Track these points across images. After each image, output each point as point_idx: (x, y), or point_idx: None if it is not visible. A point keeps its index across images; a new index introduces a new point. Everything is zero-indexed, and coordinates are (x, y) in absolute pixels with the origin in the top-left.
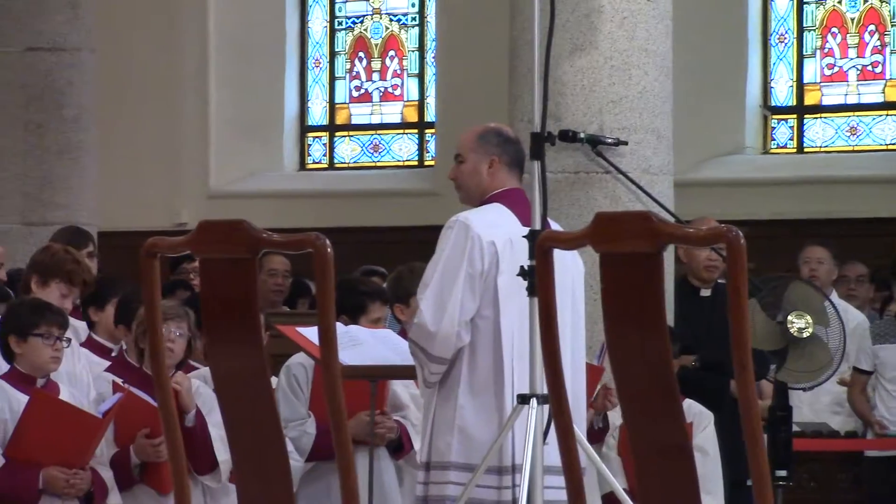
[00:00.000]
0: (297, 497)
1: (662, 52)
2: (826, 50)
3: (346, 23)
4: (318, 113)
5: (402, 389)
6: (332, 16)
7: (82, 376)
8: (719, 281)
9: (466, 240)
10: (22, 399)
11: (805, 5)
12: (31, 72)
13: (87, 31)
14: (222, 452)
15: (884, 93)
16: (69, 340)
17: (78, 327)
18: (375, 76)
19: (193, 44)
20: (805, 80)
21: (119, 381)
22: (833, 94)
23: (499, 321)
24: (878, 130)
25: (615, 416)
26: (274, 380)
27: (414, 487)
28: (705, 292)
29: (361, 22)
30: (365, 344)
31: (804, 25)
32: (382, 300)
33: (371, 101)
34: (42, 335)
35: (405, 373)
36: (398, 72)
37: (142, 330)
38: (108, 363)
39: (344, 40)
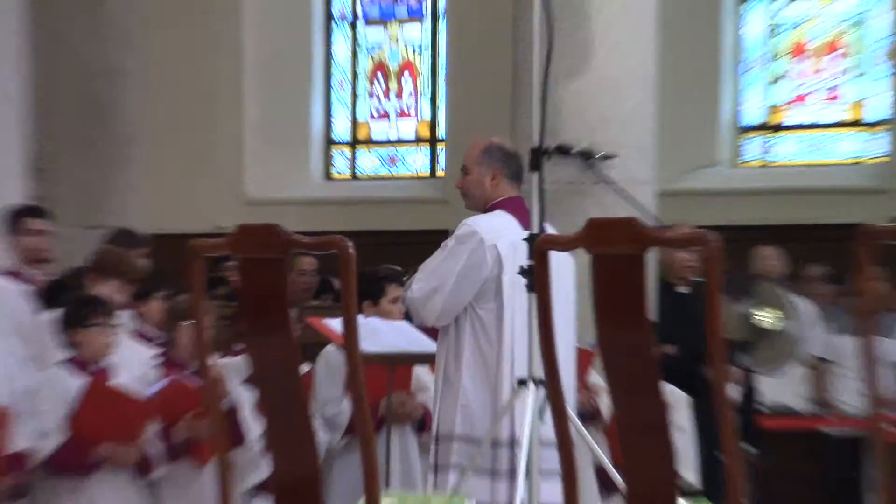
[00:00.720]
0: (332, 468)
1: (647, 77)
2: (792, 75)
3: (367, 49)
4: (341, 129)
5: (424, 373)
6: (355, 42)
7: (131, 363)
8: (694, 280)
9: (470, 243)
10: (79, 384)
11: (773, 35)
12: (87, 94)
13: (136, 57)
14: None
15: (844, 113)
16: (120, 328)
17: (127, 318)
18: (392, 96)
19: (230, 68)
20: (773, 102)
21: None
22: (798, 115)
23: (501, 314)
24: (839, 146)
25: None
26: (304, 367)
27: (423, 461)
28: (682, 289)
29: (381, 48)
30: (383, 333)
31: (773, 53)
32: (398, 282)
33: (388, 119)
34: (95, 325)
35: (417, 358)
36: (413, 93)
37: (169, 318)
38: (152, 351)
39: (365, 64)
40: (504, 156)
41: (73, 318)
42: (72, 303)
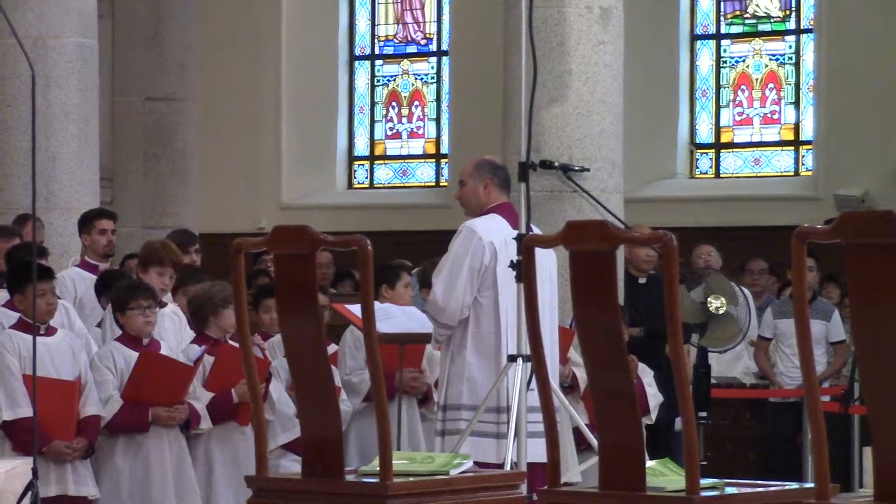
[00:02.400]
0: (350, 428)
1: (616, 103)
2: (737, 101)
3: (383, 80)
4: (361, 146)
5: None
6: (373, 75)
7: (175, 337)
8: (651, 272)
9: (472, 241)
10: (132, 355)
11: (722, 69)
12: (149, 115)
13: (191, 85)
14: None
15: (779, 134)
16: (160, 306)
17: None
18: (404, 120)
19: (271, 96)
20: (721, 124)
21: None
22: (742, 135)
23: (497, 300)
24: (776, 162)
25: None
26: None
27: (432, 426)
28: (642, 280)
29: (394, 80)
30: (396, 317)
31: (721, 83)
32: (408, 270)
33: (401, 139)
34: (135, 308)
35: (425, 338)
36: (421, 117)
37: (196, 304)
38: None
39: (381, 93)
40: (493, 168)
41: (118, 303)
42: (117, 289)
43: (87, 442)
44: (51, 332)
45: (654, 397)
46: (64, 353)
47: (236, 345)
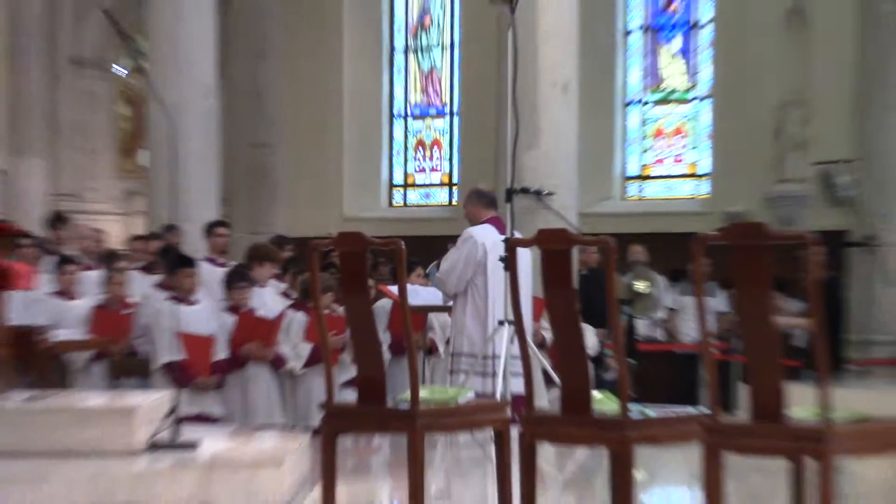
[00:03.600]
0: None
1: (572, 149)
2: (655, 147)
3: (413, 132)
4: (398, 177)
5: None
6: (406, 128)
7: (270, 304)
8: (595, 266)
9: (470, 241)
10: (233, 319)
11: (645, 125)
12: (251, 156)
13: (279, 134)
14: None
15: (685, 169)
16: (255, 286)
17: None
18: (427, 159)
19: (335, 141)
20: (644, 163)
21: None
22: (658, 170)
23: (487, 283)
24: (681, 189)
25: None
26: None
27: (436, 371)
28: (584, 272)
29: (420, 132)
30: (420, 295)
31: (644, 135)
32: (420, 265)
33: (425, 172)
34: (237, 289)
35: (440, 309)
36: (439, 158)
37: (304, 286)
38: (286, 300)
39: (412, 141)
40: (480, 194)
41: (227, 285)
42: (227, 275)
43: (217, 377)
44: (194, 302)
45: (592, 348)
46: (203, 318)
47: (328, 312)
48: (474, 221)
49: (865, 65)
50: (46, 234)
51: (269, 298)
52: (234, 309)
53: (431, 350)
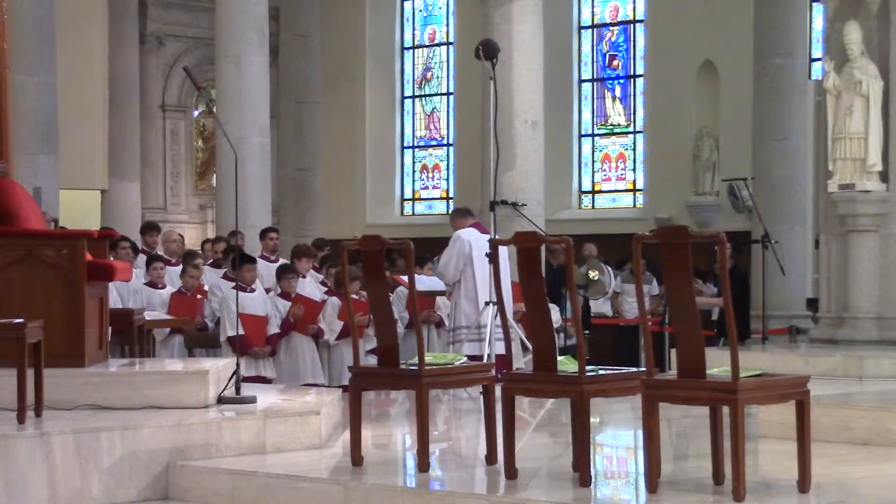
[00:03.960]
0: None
1: (539, 171)
2: (604, 169)
3: (419, 159)
4: (408, 193)
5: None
6: (413, 156)
7: (309, 291)
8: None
9: (459, 241)
10: (286, 304)
11: (595, 152)
12: (296, 177)
13: (318, 161)
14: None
15: (626, 185)
16: (300, 277)
17: (316, 275)
18: (430, 179)
19: (360, 166)
20: (595, 181)
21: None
22: (606, 185)
23: (475, 274)
24: (624, 201)
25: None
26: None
27: (440, 340)
28: (556, 266)
29: (425, 158)
30: (425, 282)
31: (595, 160)
32: (432, 261)
33: (428, 189)
34: (285, 279)
35: (442, 293)
36: (439, 178)
37: (336, 278)
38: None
39: (418, 166)
40: (458, 211)
41: (278, 277)
42: (278, 269)
43: (270, 348)
44: (252, 291)
45: (556, 322)
46: (259, 302)
47: (356, 297)
48: (459, 228)
49: (758, 106)
50: (141, 239)
51: (309, 286)
52: (285, 295)
53: (438, 324)
